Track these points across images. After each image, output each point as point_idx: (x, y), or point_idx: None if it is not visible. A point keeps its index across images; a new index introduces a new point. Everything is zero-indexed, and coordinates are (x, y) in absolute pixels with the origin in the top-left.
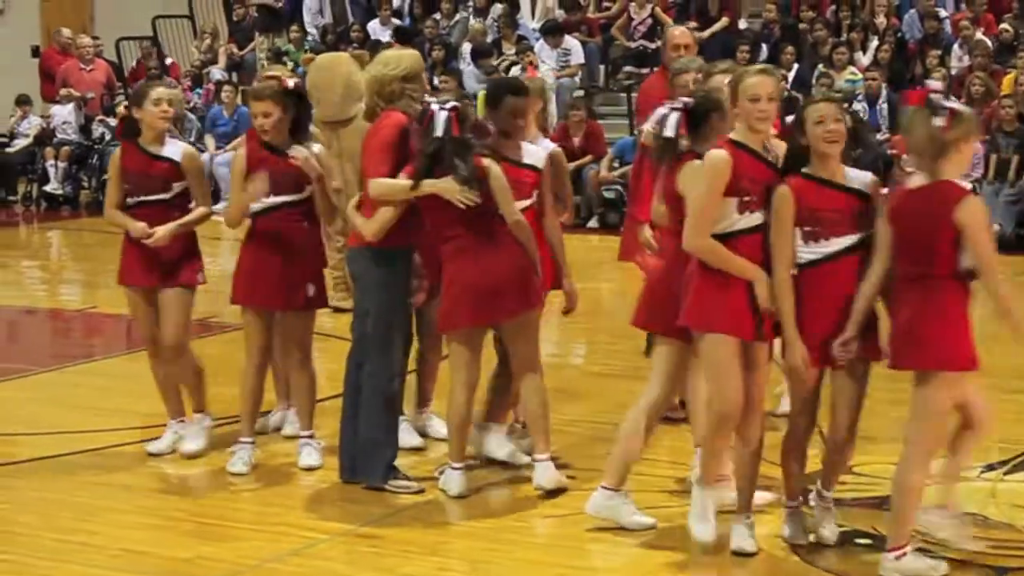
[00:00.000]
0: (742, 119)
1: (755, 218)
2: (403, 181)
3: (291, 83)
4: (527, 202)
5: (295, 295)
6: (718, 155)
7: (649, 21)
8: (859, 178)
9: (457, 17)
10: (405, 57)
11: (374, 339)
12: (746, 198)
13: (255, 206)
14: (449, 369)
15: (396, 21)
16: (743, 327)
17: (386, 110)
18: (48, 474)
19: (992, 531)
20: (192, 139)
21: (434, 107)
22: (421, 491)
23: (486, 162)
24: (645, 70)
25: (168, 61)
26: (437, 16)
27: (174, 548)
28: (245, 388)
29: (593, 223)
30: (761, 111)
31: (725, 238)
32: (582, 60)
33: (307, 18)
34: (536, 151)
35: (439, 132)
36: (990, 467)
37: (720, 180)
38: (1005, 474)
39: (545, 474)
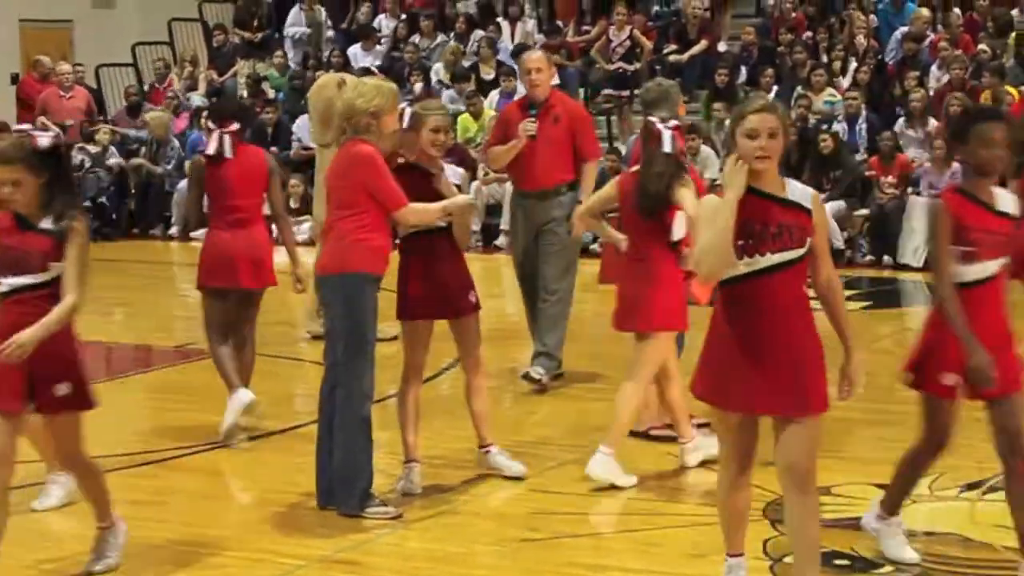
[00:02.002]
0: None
1: None
2: (435, 206)
3: (44, 141)
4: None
5: (43, 395)
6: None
7: (628, 43)
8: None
9: (438, 39)
10: (381, 93)
11: (346, 364)
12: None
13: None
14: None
15: (379, 48)
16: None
17: (354, 139)
18: (27, 501)
19: (972, 551)
20: (172, 165)
21: (659, 125)
22: (399, 516)
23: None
24: (624, 92)
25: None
26: (416, 39)
27: (152, 575)
28: None
29: None
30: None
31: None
32: (556, 81)
33: (287, 44)
34: (1008, 195)
35: (667, 148)
36: (969, 487)
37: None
38: (983, 494)
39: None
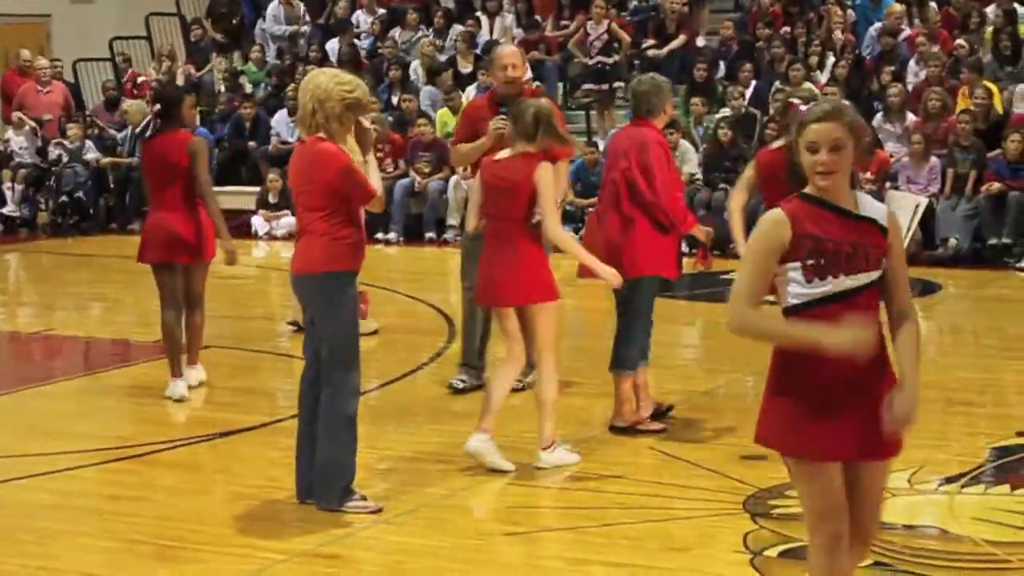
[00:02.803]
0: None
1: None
2: (372, 166)
3: None
4: None
5: None
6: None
7: (605, 37)
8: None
9: (419, 33)
10: (360, 87)
11: (332, 361)
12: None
13: None
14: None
15: (358, 43)
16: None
17: (314, 138)
18: (7, 498)
19: (951, 544)
20: None
21: (796, 100)
22: (378, 511)
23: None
24: (604, 86)
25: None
26: (397, 33)
27: (133, 571)
28: None
29: None
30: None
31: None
32: (529, 75)
33: (260, 38)
34: None
35: None
36: (948, 480)
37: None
38: (962, 487)
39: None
